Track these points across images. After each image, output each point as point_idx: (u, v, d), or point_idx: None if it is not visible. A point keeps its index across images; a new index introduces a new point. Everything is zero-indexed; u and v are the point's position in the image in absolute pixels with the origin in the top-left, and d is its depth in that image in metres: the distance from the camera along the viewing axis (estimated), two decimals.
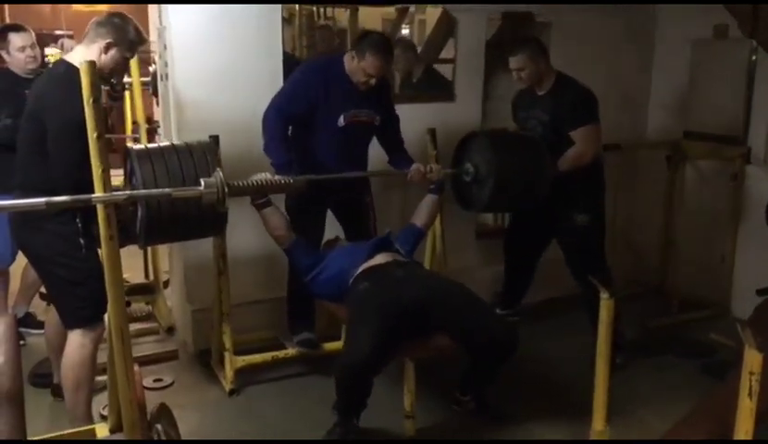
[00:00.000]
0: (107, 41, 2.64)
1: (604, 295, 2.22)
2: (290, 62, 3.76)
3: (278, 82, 3.68)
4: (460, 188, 3.54)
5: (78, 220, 2.60)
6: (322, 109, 3.23)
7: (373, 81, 3.16)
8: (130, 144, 2.41)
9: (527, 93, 3.65)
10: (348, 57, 3.20)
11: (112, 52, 2.66)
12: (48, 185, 2.47)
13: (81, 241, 2.62)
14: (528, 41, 3.61)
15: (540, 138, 3.47)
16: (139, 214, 2.47)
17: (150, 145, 2.47)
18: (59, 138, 2.50)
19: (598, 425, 2.31)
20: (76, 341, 2.70)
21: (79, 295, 2.65)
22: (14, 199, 2.65)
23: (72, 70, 2.46)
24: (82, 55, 2.59)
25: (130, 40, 2.69)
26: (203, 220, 2.48)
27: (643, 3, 4.66)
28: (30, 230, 2.68)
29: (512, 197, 3.43)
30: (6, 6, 10.18)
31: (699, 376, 3.58)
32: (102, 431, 2.53)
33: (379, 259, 3.08)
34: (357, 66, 3.14)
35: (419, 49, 4.55)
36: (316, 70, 3.31)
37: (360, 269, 3.05)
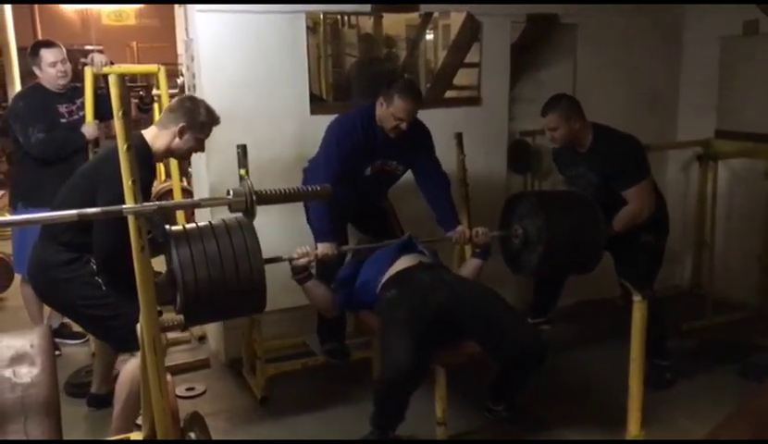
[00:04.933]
0: (180, 125, 2.71)
1: (636, 298, 2.20)
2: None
3: (303, 92, 3.72)
4: (509, 248, 3.41)
5: (92, 262, 2.61)
6: (355, 160, 3.23)
7: (404, 126, 3.14)
8: (167, 227, 2.41)
9: (568, 149, 3.49)
10: (378, 105, 3.19)
11: (186, 136, 2.73)
12: (80, 244, 2.52)
13: (99, 280, 2.62)
14: (560, 99, 3.40)
15: (593, 198, 3.29)
16: (178, 299, 2.48)
17: (188, 226, 2.46)
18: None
19: (633, 430, 2.29)
20: (137, 361, 2.70)
21: (118, 326, 2.64)
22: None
23: (140, 146, 2.50)
24: (155, 136, 2.72)
25: (201, 122, 2.76)
26: (242, 299, 2.47)
27: (671, 2, 4.60)
28: (45, 283, 2.72)
29: (564, 262, 3.28)
30: (38, 22, 10.42)
31: (736, 379, 3.52)
32: (136, 439, 2.55)
33: (404, 262, 3.07)
34: (386, 112, 3.13)
35: (444, 53, 4.54)
36: (354, 119, 3.25)
37: (386, 276, 3.04)
